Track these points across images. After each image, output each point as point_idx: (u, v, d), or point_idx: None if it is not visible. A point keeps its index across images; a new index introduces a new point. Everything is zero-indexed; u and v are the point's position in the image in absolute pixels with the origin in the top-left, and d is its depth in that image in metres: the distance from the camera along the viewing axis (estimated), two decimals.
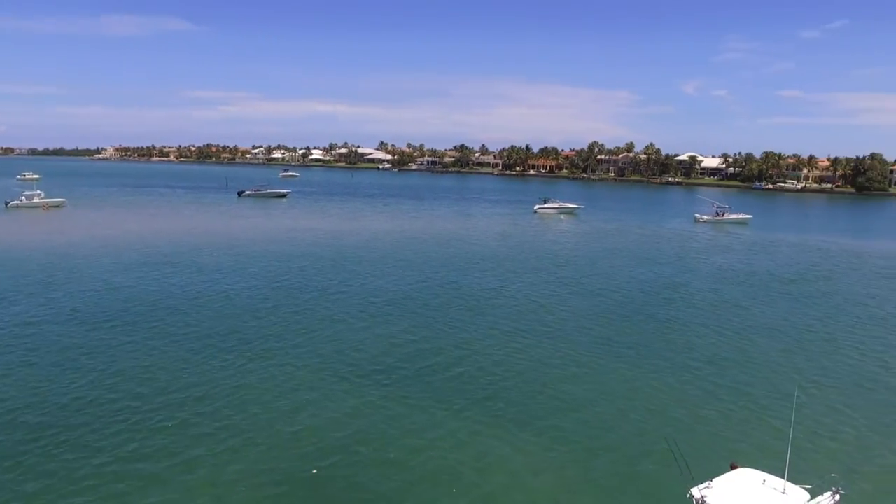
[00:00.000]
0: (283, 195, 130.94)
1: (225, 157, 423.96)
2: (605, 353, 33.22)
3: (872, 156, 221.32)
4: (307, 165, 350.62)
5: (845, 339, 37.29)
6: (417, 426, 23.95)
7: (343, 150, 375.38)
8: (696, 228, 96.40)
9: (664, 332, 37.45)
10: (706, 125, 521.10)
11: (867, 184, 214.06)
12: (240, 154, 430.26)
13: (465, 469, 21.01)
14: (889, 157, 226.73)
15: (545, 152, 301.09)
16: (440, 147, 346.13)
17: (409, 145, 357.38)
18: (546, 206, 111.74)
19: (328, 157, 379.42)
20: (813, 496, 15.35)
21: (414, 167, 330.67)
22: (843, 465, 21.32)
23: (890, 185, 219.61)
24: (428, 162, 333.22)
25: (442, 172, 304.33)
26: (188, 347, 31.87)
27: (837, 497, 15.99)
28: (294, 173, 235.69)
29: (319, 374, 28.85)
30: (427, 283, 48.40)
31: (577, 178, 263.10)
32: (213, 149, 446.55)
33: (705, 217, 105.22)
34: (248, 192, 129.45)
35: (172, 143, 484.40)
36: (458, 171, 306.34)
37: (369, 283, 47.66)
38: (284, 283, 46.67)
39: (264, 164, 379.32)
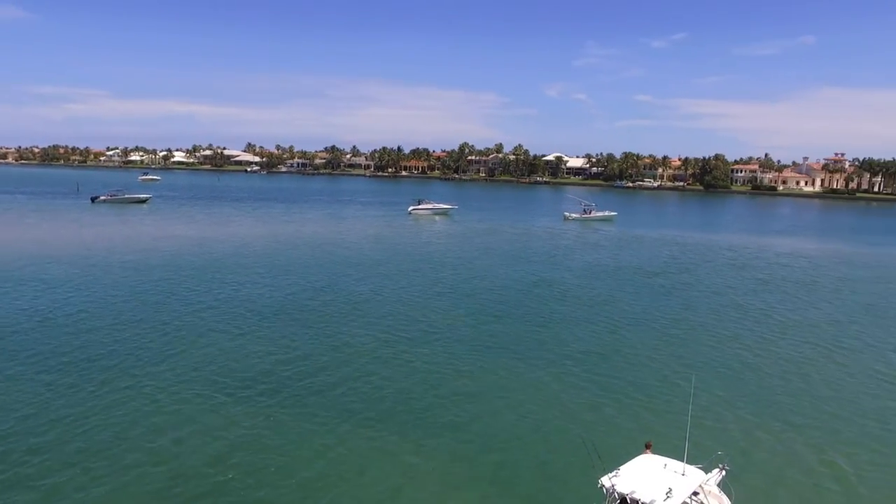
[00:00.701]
0: (144, 200, 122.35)
1: (75, 160, 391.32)
2: (487, 353, 32.92)
3: (716, 157, 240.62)
4: (169, 168, 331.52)
5: (711, 328, 39.41)
6: (298, 440, 22.38)
7: (208, 153, 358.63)
8: (565, 226, 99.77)
9: (543, 329, 37.82)
10: (569, 127, 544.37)
11: (713, 182, 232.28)
12: (92, 156, 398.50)
13: (348, 482, 19.75)
14: (730, 158, 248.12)
15: (417, 153, 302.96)
16: (311, 149, 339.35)
17: (278, 147, 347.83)
18: (420, 207, 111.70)
19: (192, 160, 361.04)
20: (707, 474, 16.87)
21: (284, 169, 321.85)
22: (727, 443, 22.47)
23: (732, 183, 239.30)
24: (298, 164, 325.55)
25: (313, 174, 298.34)
26: (35, 373, 28.26)
27: (724, 473, 18.01)
28: (155, 177, 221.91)
29: (186, 392, 26.40)
30: (301, 290, 46.36)
31: (448, 179, 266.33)
32: (61, 150, 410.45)
33: (574, 215, 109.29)
34: (102, 198, 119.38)
35: (10, 143, 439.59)
36: (330, 173, 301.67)
37: (240, 292, 44.94)
38: (146, 297, 42.94)
39: (121, 167, 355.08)
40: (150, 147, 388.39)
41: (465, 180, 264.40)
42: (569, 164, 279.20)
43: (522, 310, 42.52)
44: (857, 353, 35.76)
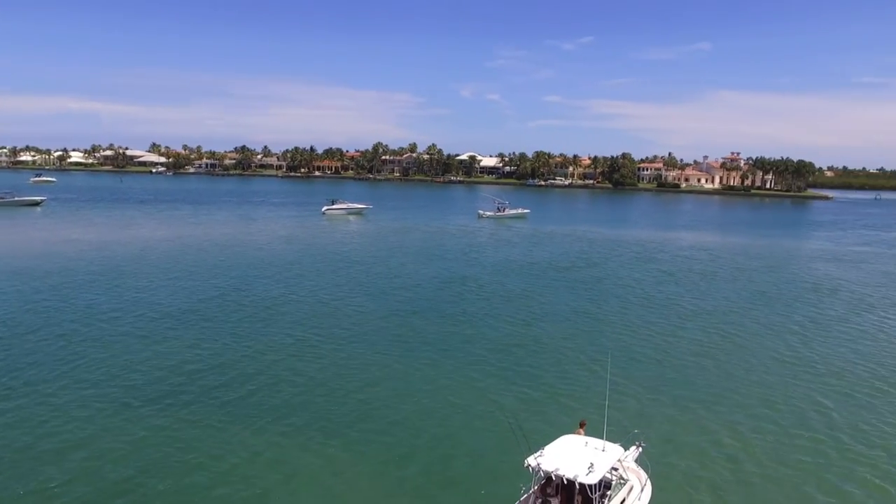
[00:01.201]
0: (36, 203, 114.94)
1: None
2: (405, 351, 32.84)
3: (623, 155, 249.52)
4: (65, 170, 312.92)
5: (622, 317, 40.83)
6: (216, 450, 21.60)
7: (109, 153, 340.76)
8: (479, 224, 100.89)
9: (462, 324, 38.16)
10: (483, 127, 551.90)
11: (621, 180, 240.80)
12: None
13: (277, 489, 19.31)
14: (637, 157, 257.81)
15: (330, 153, 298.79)
16: (219, 149, 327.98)
17: (185, 147, 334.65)
18: (334, 207, 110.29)
19: (91, 161, 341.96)
20: (625, 450, 18.20)
21: (191, 170, 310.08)
22: (642, 422, 23.86)
23: (639, 181, 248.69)
24: (207, 165, 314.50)
25: (223, 175, 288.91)
26: None
27: (640, 449, 19.35)
28: (49, 178, 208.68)
29: (93, 405, 24.95)
30: (210, 293, 44.81)
31: (363, 179, 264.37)
32: None
33: (488, 213, 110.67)
34: None
35: None
36: (241, 174, 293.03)
37: (145, 298, 42.92)
38: (39, 305, 40.29)
39: (9, 167, 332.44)
40: (42, 147, 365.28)
41: (379, 180, 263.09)
42: (482, 164, 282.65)
43: (440, 306, 42.68)
44: (755, 335, 38.15)
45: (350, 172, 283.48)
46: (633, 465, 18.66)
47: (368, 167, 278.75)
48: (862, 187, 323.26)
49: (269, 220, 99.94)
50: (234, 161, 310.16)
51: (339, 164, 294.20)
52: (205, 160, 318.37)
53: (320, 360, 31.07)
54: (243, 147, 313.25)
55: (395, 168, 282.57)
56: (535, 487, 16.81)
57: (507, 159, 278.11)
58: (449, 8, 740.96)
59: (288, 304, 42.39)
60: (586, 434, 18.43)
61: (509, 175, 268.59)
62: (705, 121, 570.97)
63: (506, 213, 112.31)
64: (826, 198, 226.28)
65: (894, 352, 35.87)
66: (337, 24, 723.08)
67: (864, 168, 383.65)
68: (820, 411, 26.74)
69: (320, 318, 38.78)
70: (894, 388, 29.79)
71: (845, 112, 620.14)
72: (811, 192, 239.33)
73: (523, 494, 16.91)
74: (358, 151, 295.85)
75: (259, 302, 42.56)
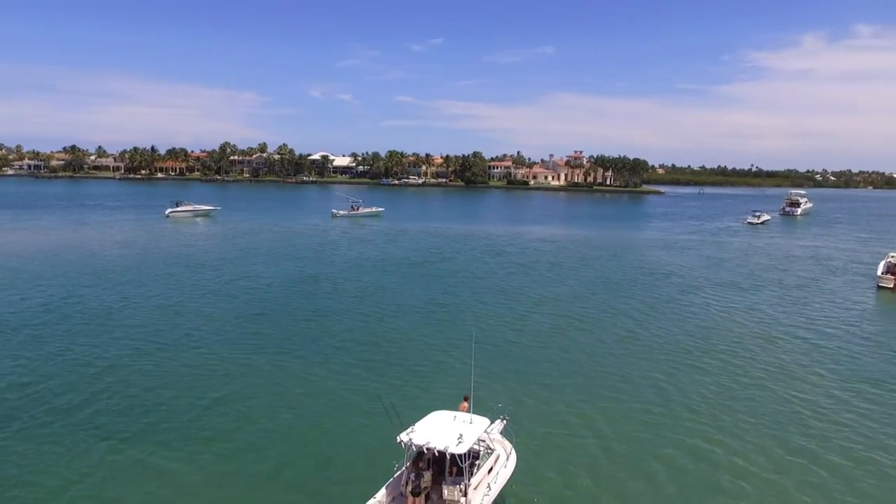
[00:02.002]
0: None
1: None
2: (255, 353, 31.38)
3: (475, 154, 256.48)
4: None
5: (478, 306, 41.59)
6: (49, 469, 19.45)
7: None
8: (333, 223, 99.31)
9: (314, 323, 37.19)
10: (335, 126, 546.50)
11: (473, 178, 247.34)
12: None
13: None
14: (487, 156, 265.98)
15: (173, 154, 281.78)
16: (45, 149, 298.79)
17: (1, 147, 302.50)
18: (179, 209, 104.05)
19: None
20: (491, 424, 19.20)
21: (11, 172, 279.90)
22: (505, 398, 24.91)
23: (490, 179, 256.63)
24: (30, 166, 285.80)
25: (50, 178, 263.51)
26: None
27: (505, 422, 20.67)
28: None
29: None
30: (35, 304, 40.43)
31: (210, 181, 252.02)
32: None
33: (342, 212, 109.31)
34: None
35: None
36: (72, 176, 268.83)
37: None
38: None
39: None
40: None
41: (228, 181, 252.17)
42: (336, 164, 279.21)
43: (290, 306, 41.31)
44: (601, 317, 40.58)
45: (196, 174, 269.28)
46: (499, 437, 19.76)
47: (216, 168, 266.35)
48: (688, 183, 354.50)
49: (104, 224, 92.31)
50: (62, 162, 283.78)
51: (183, 166, 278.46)
52: (27, 161, 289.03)
53: (160, 368, 28.92)
54: (73, 147, 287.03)
55: (245, 169, 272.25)
56: (409, 463, 17.18)
57: (360, 159, 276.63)
58: (297, 6, 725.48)
59: (124, 311, 39.14)
60: (471, 408, 19.39)
61: (363, 175, 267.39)
62: (550, 121, 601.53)
63: (360, 211, 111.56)
64: (658, 192, 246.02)
65: (719, 326, 39.29)
66: (173, 16, 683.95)
67: (689, 166, 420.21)
68: (657, 382, 28.76)
69: (160, 325, 36.16)
70: (721, 358, 32.55)
71: (671, 115, 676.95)
72: (646, 187, 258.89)
73: (397, 471, 17.42)
74: (204, 152, 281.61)
75: (91, 311, 38.94)
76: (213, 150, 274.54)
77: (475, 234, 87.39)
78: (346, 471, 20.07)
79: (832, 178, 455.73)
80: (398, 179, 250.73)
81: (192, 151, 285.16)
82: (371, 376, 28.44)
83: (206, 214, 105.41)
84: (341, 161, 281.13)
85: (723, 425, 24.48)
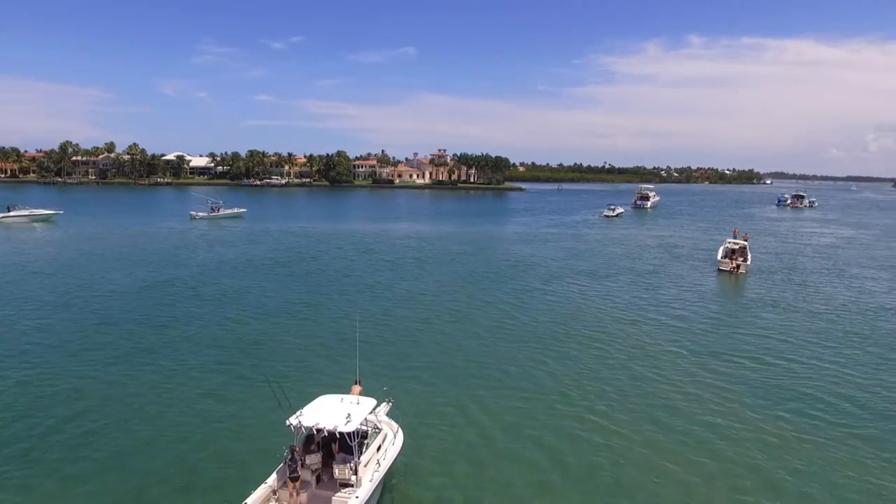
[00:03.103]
0: None
1: None
2: (116, 365, 29.01)
3: (339, 153, 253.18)
4: None
5: (353, 304, 40.87)
6: None
7: None
8: (192, 225, 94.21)
9: (178, 330, 35.00)
10: (191, 125, 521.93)
11: (337, 178, 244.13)
12: None
13: None
14: (352, 155, 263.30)
15: (4, 154, 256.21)
16: None
17: None
18: (11, 214, 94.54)
19: None
20: (378, 405, 19.70)
21: None
22: (390, 384, 24.39)
23: (355, 178, 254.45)
24: None
25: None
26: None
27: (391, 404, 21.25)
28: None
29: None
30: None
31: (50, 183, 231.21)
32: None
33: (201, 214, 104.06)
34: None
35: None
36: None
37: None
38: None
39: None
40: None
41: (71, 184, 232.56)
42: (193, 164, 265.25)
43: (144, 314, 38.57)
44: (468, 311, 41.10)
45: (32, 175, 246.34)
46: (386, 419, 20.42)
47: (56, 169, 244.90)
48: (548, 180, 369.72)
49: None
50: None
51: (16, 167, 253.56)
52: None
53: (2, 393, 25.91)
54: None
55: (91, 170, 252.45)
56: (299, 447, 17.45)
57: (219, 159, 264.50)
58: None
59: None
60: (363, 392, 19.98)
61: (223, 175, 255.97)
62: (414, 121, 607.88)
63: (220, 213, 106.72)
64: (520, 189, 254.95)
65: (581, 312, 41.16)
66: None
67: (548, 164, 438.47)
68: (528, 368, 29.68)
69: None
70: (585, 342, 34.07)
71: (531, 115, 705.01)
72: (508, 184, 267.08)
73: (288, 455, 17.28)
74: (41, 151, 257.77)
75: None
76: (52, 150, 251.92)
77: (341, 232, 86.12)
78: (218, 475, 19.31)
79: (675, 174, 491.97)
80: (260, 180, 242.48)
81: (26, 151, 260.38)
82: (237, 381, 27.15)
83: (45, 219, 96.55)
84: (199, 161, 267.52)
85: (591, 404, 25.69)
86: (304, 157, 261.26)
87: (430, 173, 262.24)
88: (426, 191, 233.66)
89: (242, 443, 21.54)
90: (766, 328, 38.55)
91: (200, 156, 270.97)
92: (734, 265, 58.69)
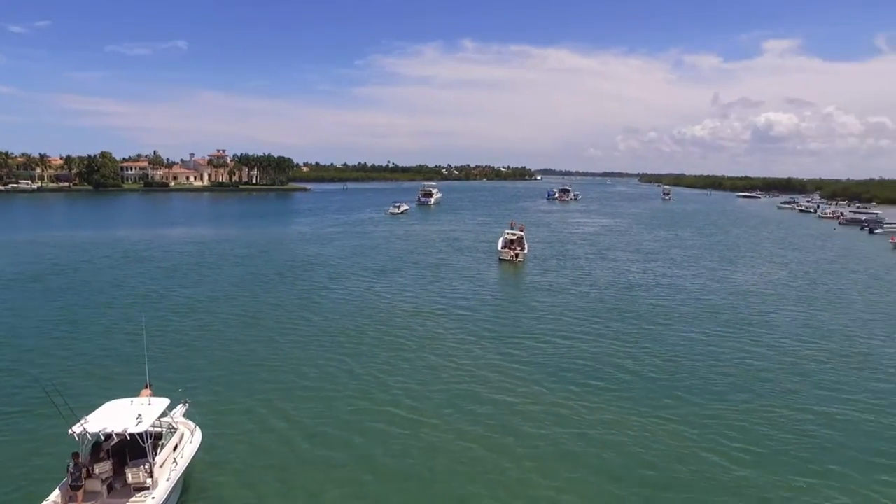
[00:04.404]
0: None
1: None
2: None
3: (103, 154, 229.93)
4: None
5: (121, 318, 36.96)
6: None
7: None
8: None
9: None
10: None
11: (102, 181, 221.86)
12: None
13: None
14: (119, 156, 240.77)
15: None
16: None
17: None
18: None
19: None
20: (172, 407, 19.30)
21: None
22: (184, 387, 24.28)
23: (124, 181, 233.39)
24: None
25: None
26: None
27: (187, 405, 20.89)
28: None
29: None
30: None
31: None
32: None
33: None
34: None
35: None
36: None
37: None
38: None
39: None
40: None
41: None
42: None
43: None
44: (256, 314, 39.32)
45: None
46: (182, 420, 19.92)
47: None
48: (333, 180, 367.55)
49: None
50: None
51: None
52: None
53: None
54: None
55: None
56: (85, 456, 16.57)
57: None
58: None
59: None
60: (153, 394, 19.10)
61: None
62: (190, 120, 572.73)
63: None
64: (305, 189, 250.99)
65: (373, 307, 41.53)
66: None
67: (332, 163, 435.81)
68: (325, 367, 29.17)
69: None
70: (379, 337, 34.33)
71: (314, 115, 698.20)
72: (292, 185, 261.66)
73: (71, 464, 16.21)
74: None
75: None
76: None
77: (108, 241, 78.05)
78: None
79: (456, 171, 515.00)
80: (4, 185, 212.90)
81: None
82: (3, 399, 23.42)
83: None
84: None
85: (394, 398, 25.97)
86: (62, 158, 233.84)
87: (209, 175, 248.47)
88: (205, 193, 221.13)
89: (18, 465, 19.56)
90: (545, 310, 41.83)
91: None
92: (513, 254, 62.90)
